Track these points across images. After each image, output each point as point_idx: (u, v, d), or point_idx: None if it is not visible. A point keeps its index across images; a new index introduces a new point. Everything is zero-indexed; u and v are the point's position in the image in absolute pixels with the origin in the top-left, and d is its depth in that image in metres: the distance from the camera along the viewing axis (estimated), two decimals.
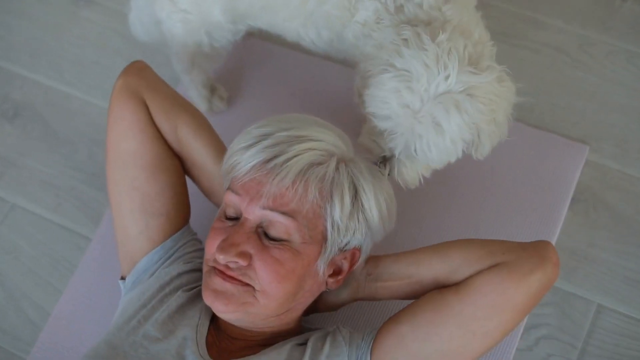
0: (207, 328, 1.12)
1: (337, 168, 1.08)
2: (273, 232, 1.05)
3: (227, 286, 1.05)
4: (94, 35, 1.84)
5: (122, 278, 1.25)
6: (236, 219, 1.09)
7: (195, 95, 1.56)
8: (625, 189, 1.51)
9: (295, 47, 1.57)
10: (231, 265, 1.05)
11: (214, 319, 1.15)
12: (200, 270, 1.21)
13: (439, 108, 1.05)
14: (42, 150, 1.72)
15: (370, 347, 1.08)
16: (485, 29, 1.20)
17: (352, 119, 1.39)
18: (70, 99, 1.77)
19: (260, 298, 1.05)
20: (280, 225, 1.05)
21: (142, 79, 1.24)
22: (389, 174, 1.13)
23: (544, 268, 1.02)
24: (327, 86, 1.61)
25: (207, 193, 1.28)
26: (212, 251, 1.07)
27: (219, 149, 1.24)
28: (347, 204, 1.07)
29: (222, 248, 1.04)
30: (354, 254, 1.12)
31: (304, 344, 1.12)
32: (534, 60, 1.64)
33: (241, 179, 1.07)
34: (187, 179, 1.30)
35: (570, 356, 1.39)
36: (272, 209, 1.04)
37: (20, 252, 1.61)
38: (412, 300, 1.13)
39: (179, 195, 1.25)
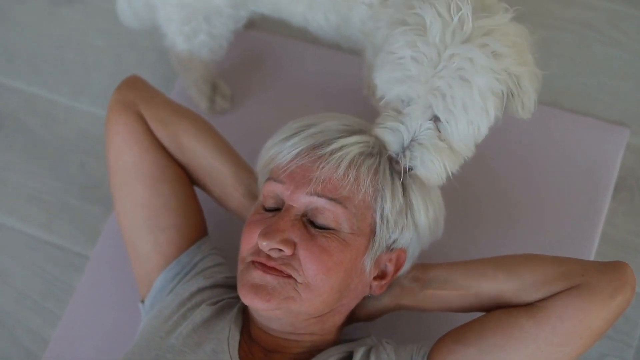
0: (237, 341, 1.11)
1: (388, 160, 1.10)
2: (321, 220, 1.06)
3: (268, 279, 1.05)
4: (76, 35, 1.82)
5: (142, 302, 1.26)
6: (277, 209, 1.10)
7: (195, 92, 1.55)
8: None
9: (301, 37, 1.57)
10: (273, 254, 1.05)
11: (244, 332, 1.14)
12: (222, 285, 1.21)
13: (460, 56, 1.01)
14: (28, 163, 1.70)
15: None
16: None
17: (369, 111, 1.39)
18: (55, 106, 1.75)
19: (303, 292, 1.05)
20: (329, 212, 1.06)
21: (136, 91, 1.27)
22: (410, 169, 1.09)
23: (625, 292, 1.03)
24: (337, 77, 1.61)
25: (220, 199, 1.28)
26: (250, 245, 1.08)
27: (226, 150, 1.27)
28: (398, 198, 1.09)
29: (266, 234, 1.04)
30: (399, 255, 1.13)
31: (346, 358, 1.11)
32: (562, 40, 1.65)
33: (286, 167, 1.09)
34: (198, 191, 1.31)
35: (625, 355, 1.39)
36: (320, 195, 1.06)
37: (10, 276, 1.59)
38: (458, 313, 1.14)
39: (187, 206, 1.26)
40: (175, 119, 1.26)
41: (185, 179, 1.28)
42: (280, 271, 1.04)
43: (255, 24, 1.66)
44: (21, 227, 1.63)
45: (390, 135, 1.09)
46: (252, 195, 1.23)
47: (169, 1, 1.35)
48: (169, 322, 1.14)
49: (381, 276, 1.13)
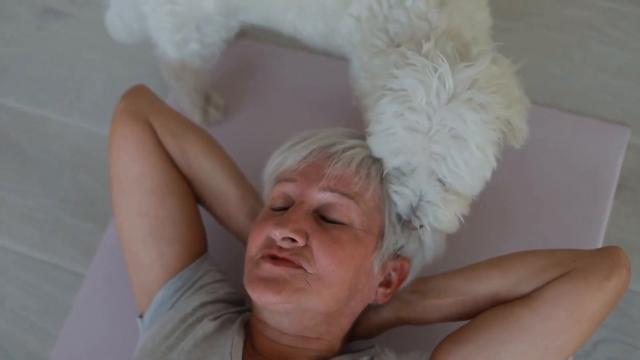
0: (240, 354, 1.10)
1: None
2: (333, 215, 1.08)
3: (278, 271, 1.05)
4: (66, 49, 1.82)
5: (140, 316, 1.24)
6: (286, 208, 1.10)
7: (188, 104, 1.55)
8: None
9: (293, 45, 1.57)
10: (285, 244, 1.05)
11: (248, 344, 1.13)
12: (223, 301, 1.21)
13: (450, 117, 1.02)
14: (20, 182, 1.69)
15: None
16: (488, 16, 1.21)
17: (362, 119, 1.39)
18: (46, 123, 1.75)
19: (314, 283, 1.05)
20: (341, 207, 1.08)
21: (143, 99, 1.27)
22: (421, 226, 1.11)
23: (619, 273, 1.03)
24: (330, 85, 1.60)
25: (222, 219, 1.29)
26: (260, 241, 1.09)
27: (232, 169, 1.28)
28: None
29: (279, 223, 1.05)
30: (403, 265, 1.15)
31: None
32: (561, 40, 1.65)
33: (297, 166, 1.12)
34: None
35: (632, 358, 1.38)
36: (332, 191, 1.08)
37: (5, 298, 1.58)
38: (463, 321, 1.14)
39: (192, 220, 1.26)
40: (184, 132, 1.25)
41: (191, 194, 1.27)
42: (292, 261, 1.05)
43: (247, 33, 1.66)
44: (15, 247, 1.62)
45: (398, 199, 1.11)
46: (256, 216, 1.23)
47: (160, 10, 1.35)
48: (170, 337, 1.13)
49: (386, 284, 1.14)
